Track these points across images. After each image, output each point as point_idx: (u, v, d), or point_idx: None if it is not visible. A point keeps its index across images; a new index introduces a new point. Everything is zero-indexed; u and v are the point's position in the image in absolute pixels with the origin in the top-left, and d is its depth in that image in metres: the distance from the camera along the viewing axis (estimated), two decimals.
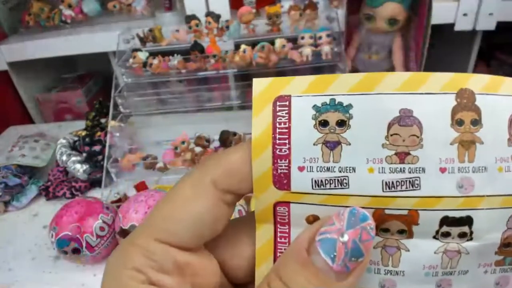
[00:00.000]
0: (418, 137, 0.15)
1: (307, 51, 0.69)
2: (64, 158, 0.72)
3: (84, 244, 0.52)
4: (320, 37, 0.71)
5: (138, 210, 0.51)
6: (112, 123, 0.73)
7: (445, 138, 0.15)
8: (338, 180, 0.15)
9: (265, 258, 0.17)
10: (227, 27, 0.74)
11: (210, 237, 0.17)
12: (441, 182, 0.15)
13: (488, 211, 0.15)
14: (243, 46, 0.71)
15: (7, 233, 0.66)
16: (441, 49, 0.91)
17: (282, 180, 0.16)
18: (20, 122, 1.03)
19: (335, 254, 0.14)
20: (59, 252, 0.52)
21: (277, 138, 0.16)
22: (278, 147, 0.16)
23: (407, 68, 0.74)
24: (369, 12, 0.70)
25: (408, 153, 0.15)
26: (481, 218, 0.15)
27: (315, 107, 0.15)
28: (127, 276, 0.16)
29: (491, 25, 0.77)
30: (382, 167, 0.15)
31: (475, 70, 0.92)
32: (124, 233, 0.51)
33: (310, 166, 0.15)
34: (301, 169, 0.15)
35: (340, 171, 0.15)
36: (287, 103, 0.16)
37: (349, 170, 0.15)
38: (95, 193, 0.71)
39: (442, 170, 0.15)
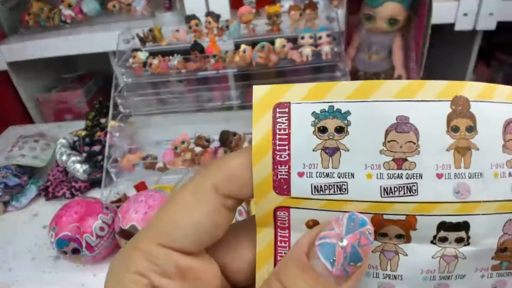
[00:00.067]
0: (414, 143, 0.15)
1: (307, 51, 0.69)
2: (64, 158, 0.72)
3: (83, 244, 0.52)
4: (320, 37, 0.71)
5: (138, 210, 0.51)
6: (112, 123, 0.73)
7: (441, 145, 0.15)
8: (337, 185, 0.16)
9: (266, 262, 0.18)
10: (227, 27, 0.74)
11: (211, 241, 0.17)
12: (438, 188, 0.15)
13: (484, 217, 0.15)
14: (243, 46, 0.71)
15: (7, 233, 0.66)
16: (441, 49, 0.91)
17: (282, 186, 0.16)
18: (20, 122, 1.03)
19: (334, 258, 0.15)
20: (59, 252, 0.52)
21: (277, 144, 0.16)
22: (278, 153, 0.16)
23: (407, 68, 0.74)
24: (369, 12, 0.70)
25: (405, 159, 0.15)
26: (477, 223, 0.15)
27: (314, 113, 0.16)
28: (130, 280, 0.16)
29: (491, 25, 0.77)
30: (380, 173, 0.15)
31: (475, 70, 0.92)
32: (124, 233, 0.51)
33: (310, 172, 0.16)
34: (300, 174, 0.16)
35: (339, 177, 0.16)
36: (286, 109, 0.16)
37: (348, 175, 0.15)
38: (95, 193, 0.71)
39: (439, 176, 0.15)
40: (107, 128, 0.73)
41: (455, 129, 0.15)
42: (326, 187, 0.16)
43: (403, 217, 0.15)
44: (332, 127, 0.16)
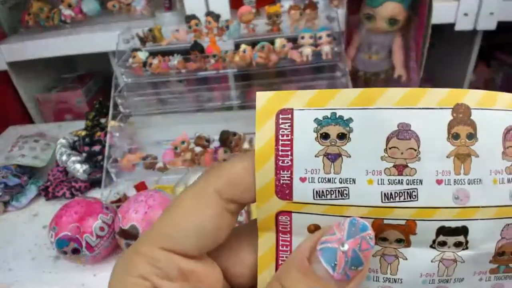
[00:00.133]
0: (415, 150, 0.15)
1: (307, 51, 0.69)
2: (64, 158, 0.72)
3: (83, 244, 0.52)
4: (320, 37, 0.71)
5: (138, 210, 0.51)
6: (112, 123, 0.73)
7: (442, 151, 0.15)
8: (338, 191, 0.16)
9: (267, 266, 0.18)
10: (227, 26, 0.74)
11: (213, 245, 0.18)
12: (437, 194, 0.15)
13: (483, 222, 0.16)
14: (243, 46, 0.71)
15: (7, 233, 0.66)
16: (441, 49, 0.91)
17: (284, 191, 0.16)
18: (20, 122, 1.03)
19: (335, 263, 0.15)
20: (59, 252, 0.52)
21: (279, 149, 0.16)
22: (280, 158, 0.16)
23: (407, 68, 0.74)
24: (369, 12, 0.70)
25: (406, 166, 0.15)
26: (476, 228, 0.16)
27: (316, 120, 0.16)
28: (133, 284, 0.16)
29: (491, 25, 0.77)
30: (381, 179, 0.16)
31: (475, 70, 0.92)
32: (124, 233, 0.51)
33: (312, 177, 0.16)
34: (303, 180, 0.16)
35: (341, 182, 0.16)
36: (289, 116, 0.16)
37: (349, 181, 0.16)
38: (95, 193, 0.71)
39: (439, 182, 0.15)
40: (107, 128, 0.73)
41: (456, 136, 0.15)
42: (327, 192, 0.16)
43: (403, 222, 0.16)
44: (334, 134, 0.16)
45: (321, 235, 0.16)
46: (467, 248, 0.16)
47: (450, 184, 0.15)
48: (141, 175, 0.70)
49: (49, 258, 0.59)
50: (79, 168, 0.71)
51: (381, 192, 0.16)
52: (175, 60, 0.72)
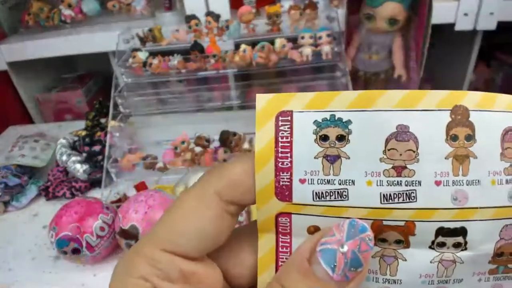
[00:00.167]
0: (414, 151, 0.15)
1: (307, 51, 0.69)
2: (64, 158, 0.72)
3: (84, 244, 0.52)
4: (320, 37, 0.71)
5: (138, 210, 0.51)
6: (112, 123, 0.73)
7: (440, 153, 0.15)
8: (338, 192, 0.16)
9: (267, 267, 0.18)
10: (227, 26, 0.74)
11: (213, 247, 0.18)
12: (436, 195, 0.15)
13: (481, 222, 0.16)
14: (243, 46, 0.71)
15: (7, 233, 0.66)
16: (441, 49, 0.91)
17: (284, 192, 0.16)
18: (20, 122, 1.03)
19: (335, 264, 0.15)
20: (59, 252, 0.52)
21: (279, 151, 0.16)
22: (280, 160, 0.16)
23: (407, 68, 0.74)
24: (369, 12, 0.70)
25: (405, 167, 0.16)
26: (475, 229, 0.16)
27: (316, 122, 0.16)
28: (133, 285, 0.16)
29: (491, 25, 0.77)
30: (380, 180, 0.16)
31: (475, 70, 0.92)
32: (124, 233, 0.51)
33: (311, 179, 0.16)
34: (302, 181, 0.16)
35: (340, 184, 0.16)
36: (289, 118, 0.16)
37: (349, 182, 0.16)
38: (95, 193, 0.71)
39: (437, 183, 0.15)
40: (107, 128, 0.73)
41: (454, 138, 0.15)
42: (327, 194, 0.16)
43: (402, 223, 0.16)
44: (333, 136, 0.16)
45: (321, 237, 0.16)
46: (466, 249, 0.16)
47: (448, 185, 0.15)
48: (141, 175, 0.70)
49: (49, 258, 0.59)
50: (79, 168, 0.71)
51: (380, 194, 0.16)
52: (175, 60, 0.72)
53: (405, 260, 0.17)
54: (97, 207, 0.55)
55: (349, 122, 0.16)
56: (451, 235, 0.16)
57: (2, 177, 0.70)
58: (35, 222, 0.67)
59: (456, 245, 0.16)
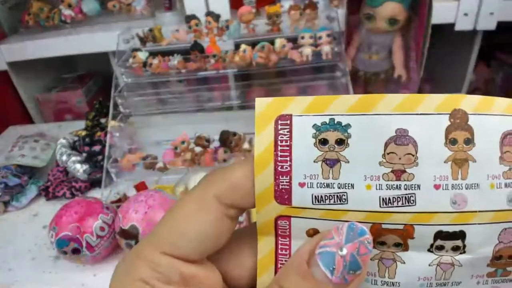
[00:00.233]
0: (413, 155, 0.16)
1: (307, 51, 0.69)
2: (64, 158, 0.72)
3: (84, 244, 0.52)
4: (320, 37, 0.71)
5: (138, 210, 0.51)
6: (112, 123, 0.73)
7: (439, 157, 0.15)
8: (337, 196, 0.16)
9: (267, 269, 0.18)
10: (227, 27, 0.74)
11: (213, 250, 0.18)
12: (435, 198, 0.16)
13: (480, 226, 0.16)
14: (243, 46, 0.71)
15: (7, 233, 0.66)
16: (441, 49, 0.91)
17: (283, 196, 0.16)
18: (20, 122, 1.03)
19: (334, 267, 0.15)
20: (59, 252, 0.52)
21: (278, 155, 0.16)
22: (279, 164, 0.16)
23: (407, 68, 0.74)
24: (369, 11, 0.70)
25: (404, 171, 0.16)
26: (473, 232, 0.16)
27: (315, 126, 0.16)
28: (133, 287, 0.17)
29: (491, 25, 0.77)
30: (379, 184, 0.16)
31: (475, 70, 0.92)
32: (124, 233, 0.51)
33: (311, 182, 0.16)
34: (301, 185, 0.16)
35: (339, 188, 0.16)
36: (288, 122, 0.16)
37: (348, 186, 0.16)
38: (95, 193, 0.71)
39: (436, 187, 0.15)
40: (107, 128, 0.73)
41: (453, 142, 0.15)
42: (326, 197, 0.16)
43: (401, 227, 0.16)
44: (332, 139, 0.16)
45: (320, 239, 0.16)
46: (464, 252, 0.16)
47: (447, 189, 0.15)
48: (141, 175, 0.70)
49: (49, 258, 0.59)
50: (79, 168, 0.71)
51: (379, 197, 0.16)
52: (175, 60, 0.72)
53: (404, 263, 0.17)
54: (97, 207, 0.55)
55: (348, 126, 0.16)
56: (450, 239, 0.16)
57: (2, 177, 0.70)
58: (35, 222, 0.67)
59: (455, 249, 0.16)
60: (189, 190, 0.18)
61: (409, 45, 0.73)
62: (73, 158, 0.72)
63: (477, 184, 0.15)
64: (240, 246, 0.19)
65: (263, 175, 0.16)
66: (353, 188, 0.16)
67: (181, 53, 0.73)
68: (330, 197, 0.16)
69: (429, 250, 0.16)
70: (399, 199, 0.16)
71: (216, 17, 0.74)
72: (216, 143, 0.73)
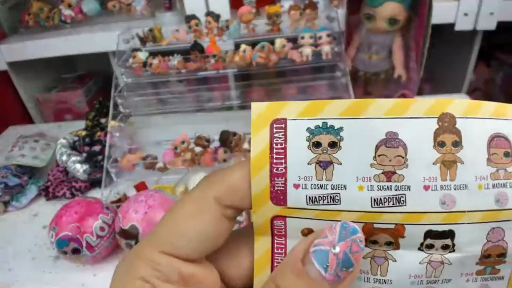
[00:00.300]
0: (403, 157, 0.16)
1: (307, 51, 0.69)
2: (64, 158, 0.72)
3: (84, 244, 0.52)
4: (320, 37, 0.71)
5: (138, 210, 0.51)
6: (112, 123, 0.73)
7: (428, 159, 0.16)
8: (330, 196, 0.17)
9: (263, 268, 0.19)
10: (227, 27, 0.74)
11: (212, 249, 0.18)
12: (425, 199, 0.16)
13: (469, 225, 0.16)
14: (243, 46, 0.71)
15: (7, 233, 0.66)
16: (441, 49, 0.91)
17: (279, 197, 0.17)
18: (20, 122, 1.03)
19: (327, 264, 0.16)
20: (59, 252, 0.52)
21: (274, 157, 0.17)
22: (275, 166, 0.17)
23: (407, 68, 0.74)
24: (369, 11, 0.70)
25: (394, 172, 0.16)
26: (462, 231, 0.16)
27: (309, 129, 0.17)
28: (133, 286, 0.17)
29: (491, 25, 0.77)
30: (371, 185, 0.16)
31: (475, 70, 0.92)
32: (124, 233, 0.51)
33: (305, 184, 0.17)
34: (296, 186, 0.17)
35: (332, 189, 0.17)
36: (283, 125, 0.17)
37: (341, 187, 0.16)
38: (95, 193, 0.71)
39: (426, 187, 0.16)
40: (107, 128, 0.73)
41: (442, 144, 0.16)
42: (320, 198, 0.17)
43: (392, 226, 0.16)
44: (326, 142, 0.17)
45: (314, 238, 0.16)
46: (454, 250, 0.17)
47: (437, 190, 0.16)
48: (141, 175, 0.70)
49: (49, 258, 0.59)
50: (79, 168, 0.71)
51: (371, 198, 0.16)
52: (175, 60, 0.72)
53: (395, 261, 0.17)
54: (97, 207, 0.55)
55: (340, 129, 0.16)
56: (440, 238, 0.16)
57: (2, 177, 0.70)
58: (35, 222, 0.67)
59: (444, 247, 0.17)
60: (189, 191, 0.19)
61: (409, 45, 0.73)
62: (73, 158, 0.72)
63: (465, 185, 0.16)
64: (238, 246, 0.19)
65: (259, 177, 0.17)
66: (345, 189, 0.16)
67: (181, 53, 0.73)
68: (324, 198, 0.17)
69: (419, 249, 0.17)
70: (390, 199, 0.16)
71: (216, 17, 0.74)
72: (216, 143, 0.73)
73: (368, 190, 0.16)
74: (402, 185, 0.16)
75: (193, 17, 0.75)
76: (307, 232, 0.17)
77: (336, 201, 0.16)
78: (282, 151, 0.17)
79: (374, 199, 0.16)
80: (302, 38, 0.71)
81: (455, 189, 0.16)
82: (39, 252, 0.61)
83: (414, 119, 0.16)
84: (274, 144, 0.17)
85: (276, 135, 0.17)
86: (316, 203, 0.17)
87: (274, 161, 0.17)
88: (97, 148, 0.74)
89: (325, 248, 0.16)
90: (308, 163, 0.17)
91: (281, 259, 0.18)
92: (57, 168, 0.73)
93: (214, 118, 0.85)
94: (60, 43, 0.90)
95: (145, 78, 0.75)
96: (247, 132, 0.72)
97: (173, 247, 0.17)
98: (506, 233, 0.16)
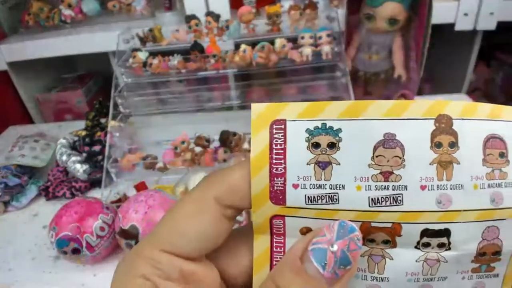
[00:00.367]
0: (400, 158, 0.16)
1: (307, 51, 0.69)
2: (64, 158, 0.72)
3: (84, 244, 0.52)
4: (320, 37, 0.71)
5: (138, 210, 0.51)
6: (112, 123, 0.73)
7: (425, 159, 0.16)
8: (329, 196, 0.17)
9: (262, 266, 0.19)
10: (227, 27, 0.74)
11: (212, 249, 0.18)
12: (421, 198, 0.16)
13: (464, 224, 0.17)
14: (243, 46, 0.71)
15: (7, 233, 0.66)
16: (441, 49, 0.91)
17: (278, 196, 0.17)
18: (20, 122, 1.03)
19: (325, 262, 0.16)
20: (59, 252, 0.52)
21: (273, 158, 0.17)
22: (274, 166, 0.17)
23: (407, 68, 0.74)
24: (369, 11, 0.70)
25: (392, 172, 0.16)
26: (458, 230, 0.17)
27: (308, 130, 0.17)
28: (134, 284, 0.17)
29: (491, 25, 0.77)
30: (369, 185, 0.17)
31: (475, 70, 0.92)
32: (124, 233, 0.51)
33: (304, 184, 0.17)
34: (295, 186, 0.17)
35: (331, 188, 0.17)
36: (282, 126, 0.17)
37: (339, 187, 0.17)
38: (95, 193, 0.71)
39: (423, 187, 0.16)
40: (107, 128, 0.73)
41: (438, 145, 0.16)
42: (318, 198, 0.17)
43: (389, 225, 0.17)
44: (324, 143, 0.17)
45: (312, 237, 0.17)
46: (449, 249, 0.17)
47: (433, 190, 0.16)
48: (141, 175, 0.70)
49: (49, 258, 0.59)
50: (79, 168, 0.71)
51: (369, 197, 0.17)
52: (175, 60, 0.72)
53: (392, 259, 0.18)
54: (97, 207, 0.55)
55: (339, 130, 0.17)
56: (436, 236, 0.17)
57: (2, 177, 0.70)
58: (35, 222, 0.67)
59: (440, 245, 0.17)
60: (189, 191, 0.19)
61: (409, 45, 0.73)
62: (73, 158, 0.72)
63: (461, 185, 0.16)
64: (237, 244, 0.20)
65: (259, 177, 0.17)
66: (344, 189, 0.17)
67: (181, 53, 0.73)
68: (322, 198, 0.17)
69: (416, 247, 0.17)
70: (387, 199, 0.16)
71: (216, 17, 0.74)
72: (216, 143, 0.73)
73: (366, 190, 0.16)
74: (399, 185, 0.16)
75: (193, 17, 0.75)
76: (305, 231, 0.18)
77: (335, 200, 0.17)
78: (282, 151, 0.17)
79: (372, 199, 0.16)
80: (302, 38, 0.71)
81: (451, 189, 0.16)
82: (39, 252, 0.61)
83: (411, 121, 0.16)
84: (274, 145, 0.17)
85: (275, 135, 0.17)
86: (314, 202, 0.17)
87: (274, 161, 0.17)
88: (97, 148, 0.74)
89: (323, 246, 0.16)
90: (307, 164, 0.17)
91: (280, 258, 0.18)
92: (57, 168, 0.73)
93: (214, 118, 0.85)
94: (60, 43, 0.90)
95: (145, 78, 0.75)
96: (247, 132, 0.72)
97: (173, 246, 0.17)
98: (501, 232, 0.17)
